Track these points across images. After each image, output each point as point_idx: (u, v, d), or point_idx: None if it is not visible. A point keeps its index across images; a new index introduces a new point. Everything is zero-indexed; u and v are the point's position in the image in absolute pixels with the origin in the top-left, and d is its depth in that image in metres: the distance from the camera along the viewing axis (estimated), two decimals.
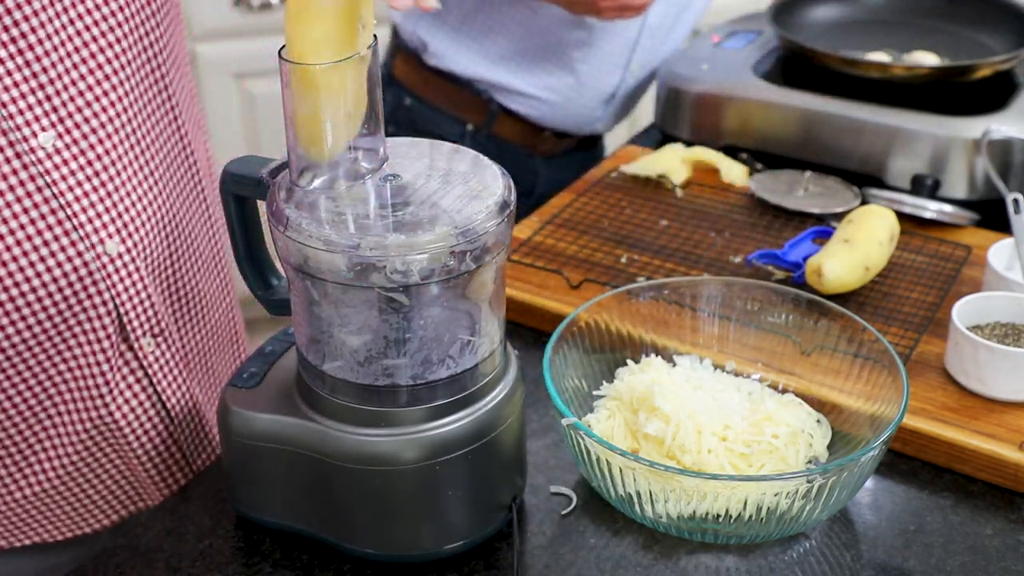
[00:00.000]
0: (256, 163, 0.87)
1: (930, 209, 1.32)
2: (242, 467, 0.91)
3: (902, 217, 1.31)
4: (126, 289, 0.95)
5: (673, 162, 1.44)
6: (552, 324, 1.12)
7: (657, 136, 1.62)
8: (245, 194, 0.88)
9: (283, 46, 0.79)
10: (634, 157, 1.51)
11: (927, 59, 1.54)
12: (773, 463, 0.93)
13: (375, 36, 0.80)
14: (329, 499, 0.88)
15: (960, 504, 0.97)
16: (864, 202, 1.37)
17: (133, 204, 0.94)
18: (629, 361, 1.05)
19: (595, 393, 1.03)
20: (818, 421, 0.99)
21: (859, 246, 1.18)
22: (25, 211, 0.88)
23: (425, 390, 0.84)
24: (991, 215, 1.34)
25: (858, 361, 1.00)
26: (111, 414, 0.98)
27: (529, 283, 1.23)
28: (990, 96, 1.46)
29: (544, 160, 1.73)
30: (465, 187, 0.82)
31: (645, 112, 2.75)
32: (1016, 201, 1.21)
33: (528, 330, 1.20)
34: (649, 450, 0.94)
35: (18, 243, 0.89)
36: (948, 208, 1.32)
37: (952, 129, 1.38)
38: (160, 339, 0.99)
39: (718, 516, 0.89)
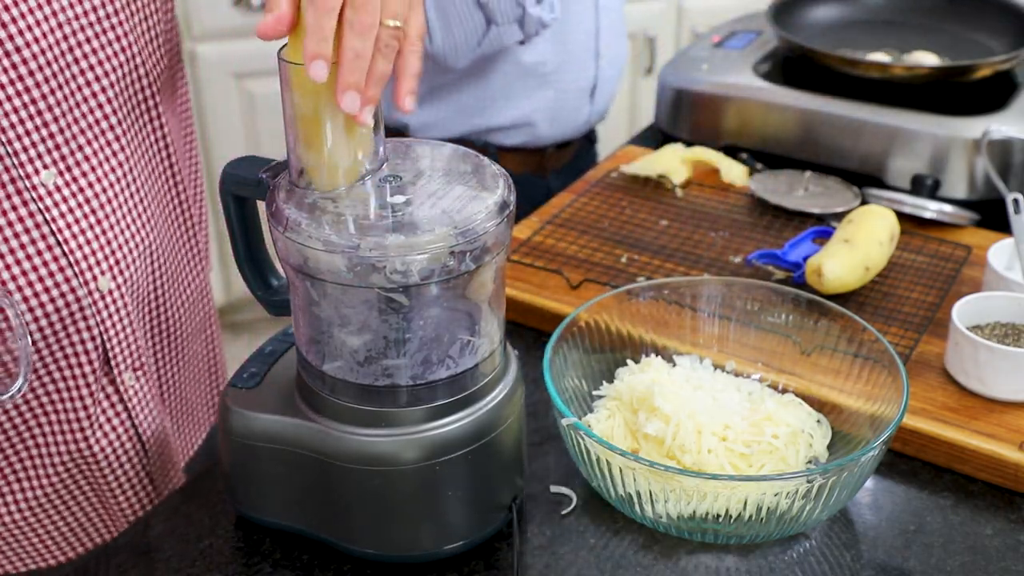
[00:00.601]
0: (256, 163, 0.87)
1: (930, 209, 1.32)
2: (242, 467, 0.91)
3: (902, 217, 1.31)
4: (113, 325, 0.95)
5: (673, 162, 1.44)
6: (552, 324, 1.12)
7: (657, 136, 1.62)
8: (245, 195, 0.88)
9: (283, 46, 0.79)
10: (634, 157, 1.50)
11: (927, 59, 1.54)
12: (773, 463, 0.93)
13: None
14: (329, 499, 0.88)
15: (960, 504, 0.97)
16: (864, 202, 1.37)
17: (126, 241, 0.95)
18: (629, 361, 1.05)
19: (595, 393, 1.03)
20: (818, 421, 0.99)
21: (859, 246, 1.18)
22: (23, 247, 0.89)
23: (425, 390, 0.84)
24: (991, 215, 1.34)
25: (858, 361, 1.00)
26: (90, 447, 0.98)
27: (529, 283, 1.23)
28: (990, 96, 1.46)
29: (555, 174, 1.73)
30: (465, 187, 0.82)
31: (645, 112, 2.75)
32: (1016, 201, 1.21)
33: (528, 330, 1.20)
34: (649, 450, 0.94)
35: (13, 278, 0.89)
36: (948, 208, 1.32)
37: (952, 129, 1.38)
38: (140, 373, 1.00)
39: (718, 516, 0.89)
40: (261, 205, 0.90)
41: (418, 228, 0.78)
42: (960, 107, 1.42)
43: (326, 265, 0.78)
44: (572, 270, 1.25)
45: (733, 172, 1.44)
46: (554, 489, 0.98)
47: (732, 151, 1.51)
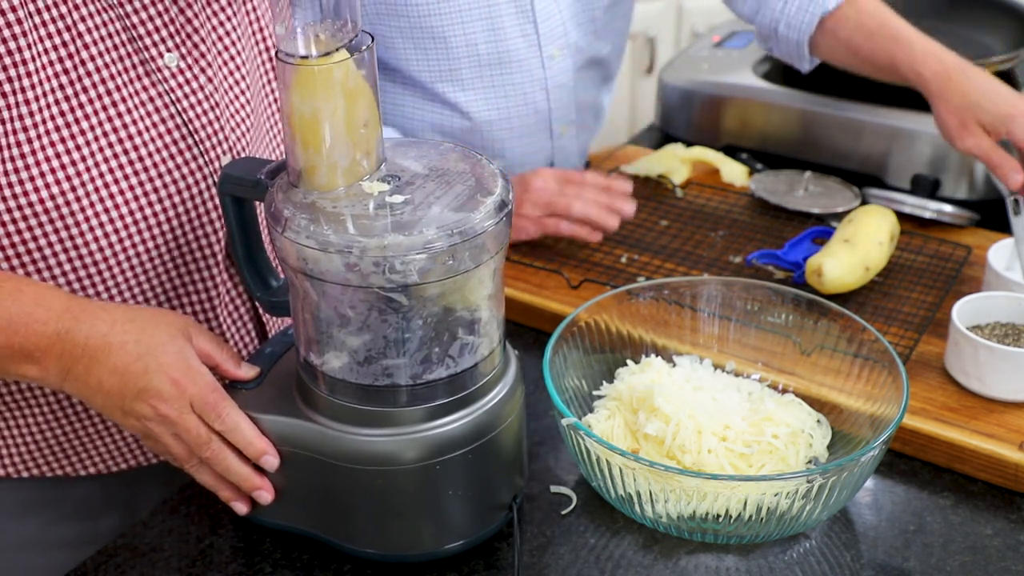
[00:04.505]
0: (254, 164, 0.87)
1: (930, 209, 1.32)
2: None
3: (902, 217, 1.31)
4: None
5: (673, 162, 1.44)
6: (552, 324, 1.12)
7: (657, 136, 1.62)
8: (243, 195, 0.88)
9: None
10: (634, 157, 1.51)
11: None
12: (773, 463, 0.93)
13: (371, 36, 0.80)
14: (329, 499, 0.88)
15: (960, 504, 0.97)
16: (864, 202, 1.37)
17: (239, 124, 0.99)
18: (629, 361, 1.05)
19: (595, 393, 1.03)
20: (818, 421, 0.99)
21: (859, 246, 1.18)
22: (155, 125, 0.92)
23: (425, 390, 0.84)
24: (991, 215, 1.34)
25: (858, 361, 1.00)
26: (222, 331, 1.01)
27: (529, 283, 1.23)
28: None
29: None
30: (463, 186, 0.82)
31: (645, 112, 2.75)
32: (1016, 201, 1.21)
33: (528, 330, 1.20)
34: (649, 450, 0.94)
35: (154, 165, 0.93)
36: (948, 208, 1.32)
37: None
38: None
39: (718, 516, 0.89)
40: (260, 206, 0.90)
41: (417, 227, 0.78)
42: None
43: (325, 265, 0.78)
44: (572, 270, 1.25)
45: (733, 172, 1.44)
46: (554, 489, 0.98)
47: (732, 151, 1.51)
